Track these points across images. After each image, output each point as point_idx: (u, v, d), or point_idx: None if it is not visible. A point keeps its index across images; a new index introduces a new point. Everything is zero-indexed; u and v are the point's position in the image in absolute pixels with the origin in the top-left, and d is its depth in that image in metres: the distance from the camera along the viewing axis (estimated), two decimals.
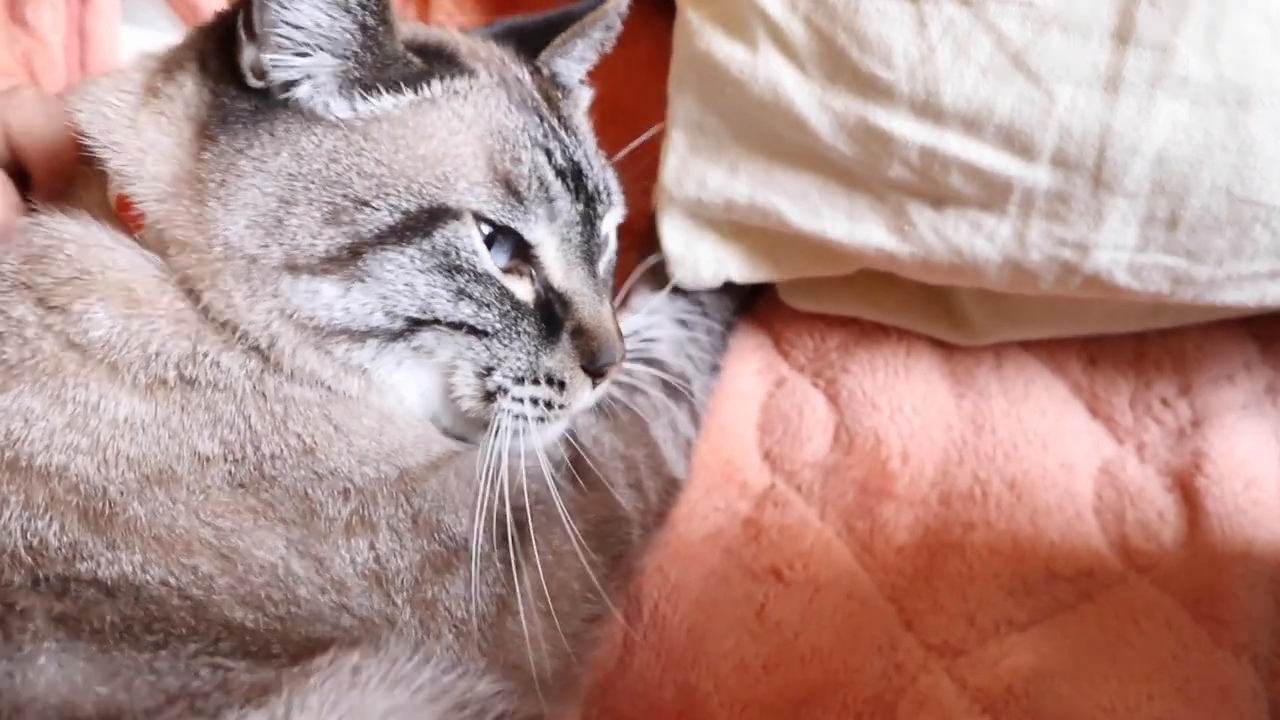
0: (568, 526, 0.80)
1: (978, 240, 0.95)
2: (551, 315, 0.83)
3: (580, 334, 0.84)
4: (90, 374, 0.71)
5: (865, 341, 1.11)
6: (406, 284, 0.76)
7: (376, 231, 0.75)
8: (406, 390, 0.83)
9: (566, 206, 0.84)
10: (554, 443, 0.89)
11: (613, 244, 1.02)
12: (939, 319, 1.11)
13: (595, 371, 0.84)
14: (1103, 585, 0.95)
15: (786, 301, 1.13)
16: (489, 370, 0.82)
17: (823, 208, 0.99)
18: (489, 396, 0.82)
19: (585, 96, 1.04)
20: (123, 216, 0.77)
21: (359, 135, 0.76)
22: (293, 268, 0.74)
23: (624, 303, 1.09)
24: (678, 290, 1.09)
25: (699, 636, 0.93)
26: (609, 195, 0.94)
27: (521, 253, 0.82)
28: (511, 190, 0.79)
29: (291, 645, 0.68)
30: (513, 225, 0.79)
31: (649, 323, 1.06)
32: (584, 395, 0.86)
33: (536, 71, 0.95)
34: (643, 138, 1.01)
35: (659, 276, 1.09)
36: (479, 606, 0.75)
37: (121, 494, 0.69)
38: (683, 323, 1.08)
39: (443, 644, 0.73)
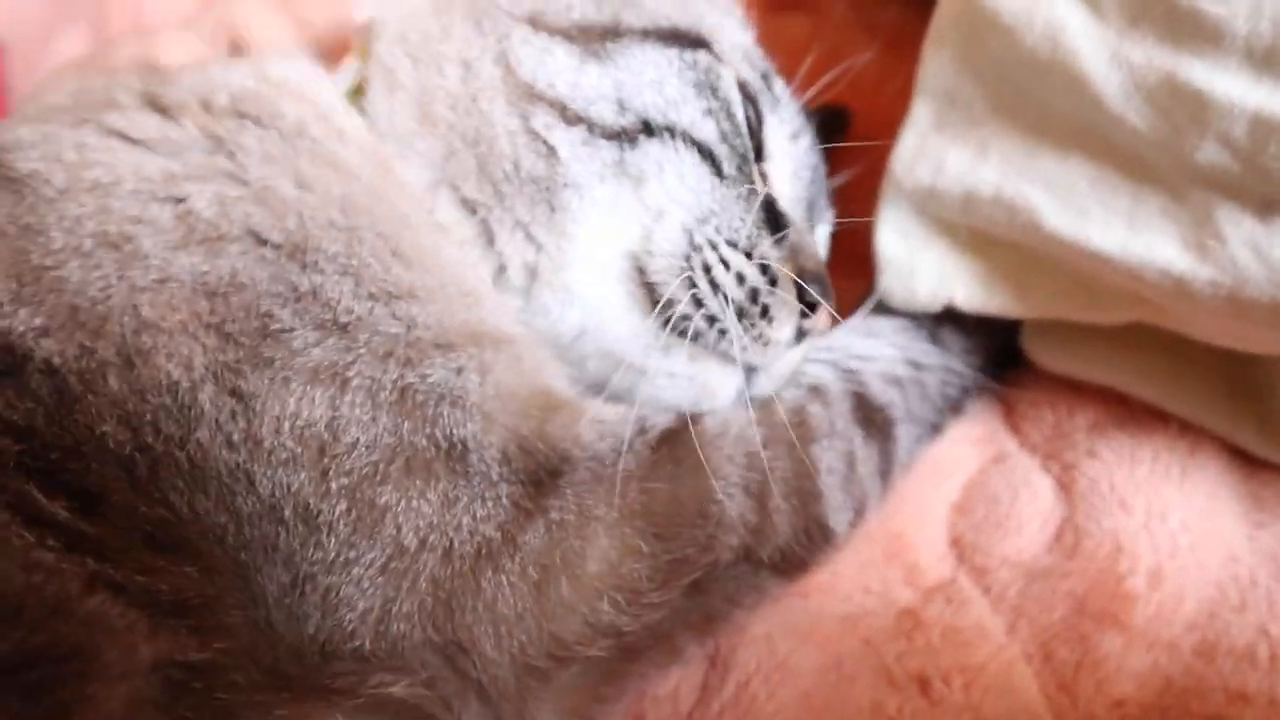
0: (616, 491, 0.58)
1: None
2: (775, 221, 0.76)
3: (797, 254, 0.76)
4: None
5: (1129, 425, 0.84)
6: (655, 80, 0.72)
7: (641, 27, 0.74)
8: (588, 218, 0.69)
9: (806, 141, 0.82)
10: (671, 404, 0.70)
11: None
12: (1245, 418, 0.81)
13: (807, 301, 0.74)
14: None
15: (1031, 355, 0.88)
16: (702, 221, 0.71)
17: (1092, 205, 0.74)
18: (688, 256, 0.70)
19: None
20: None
21: None
22: (535, 23, 0.73)
23: None
24: (915, 319, 0.85)
25: None
26: (824, 203, 0.89)
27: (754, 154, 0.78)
28: (765, 80, 0.80)
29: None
30: (761, 104, 0.77)
31: (865, 345, 0.83)
32: (788, 325, 0.73)
33: None
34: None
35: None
36: (450, 540, 0.54)
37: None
38: (911, 361, 0.83)
39: (364, 569, 0.52)
